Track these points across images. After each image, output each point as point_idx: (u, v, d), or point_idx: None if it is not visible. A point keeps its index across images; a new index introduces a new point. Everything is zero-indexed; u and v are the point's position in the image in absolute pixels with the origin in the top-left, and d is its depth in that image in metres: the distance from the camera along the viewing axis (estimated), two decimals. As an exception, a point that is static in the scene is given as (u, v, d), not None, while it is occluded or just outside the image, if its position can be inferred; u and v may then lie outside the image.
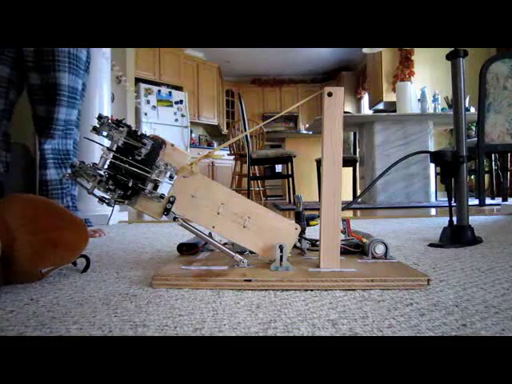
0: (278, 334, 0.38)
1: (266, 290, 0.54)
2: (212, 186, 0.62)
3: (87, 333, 0.38)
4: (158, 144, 0.59)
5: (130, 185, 0.57)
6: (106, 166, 0.57)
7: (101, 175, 0.58)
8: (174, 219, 0.61)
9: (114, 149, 0.58)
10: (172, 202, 0.60)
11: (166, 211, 0.61)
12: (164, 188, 0.61)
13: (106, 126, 0.57)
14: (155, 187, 0.60)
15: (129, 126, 0.58)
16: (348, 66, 6.44)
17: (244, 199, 0.63)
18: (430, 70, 4.39)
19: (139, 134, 0.58)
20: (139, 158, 0.57)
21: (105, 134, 0.57)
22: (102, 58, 1.71)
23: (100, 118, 0.56)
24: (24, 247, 0.55)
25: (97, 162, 0.58)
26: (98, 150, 1.63)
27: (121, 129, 0.57)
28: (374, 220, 1.74)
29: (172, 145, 0.61)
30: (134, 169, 0.57)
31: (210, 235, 0.66)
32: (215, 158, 5.43)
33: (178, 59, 5.11)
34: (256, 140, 3.77)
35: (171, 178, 0.62)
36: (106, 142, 0.60)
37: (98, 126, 0.57)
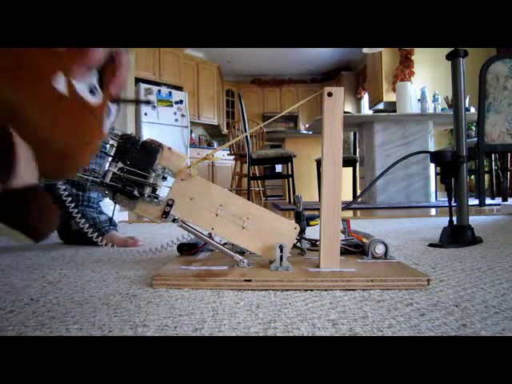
0: (278, 334, 0.38)
1: (266, 289, 0.54)
2: (210, 188, 0.62)
3: (87, 333, 0.38)
4: (155, 148, 0.59)
5: (136, 193, 0.57)
6: (108, 179, 0.56)
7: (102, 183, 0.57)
8: (174, 220, 0.61)
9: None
10: (171, 206, 0.60)
11: (165, 214, 0.61)
12: (163, 191, 0.60)
13: None
14: (153, 191, 0.59)
15: None
16: (348, 66, 6.45)
17: (242, 200, 0.63)
18: (430, 70, 4.39)
19: None
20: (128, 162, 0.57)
21: None
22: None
23: None
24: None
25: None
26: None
27: None
28: (374, 220, 1.74)
29: (169, 148, 0.61)
30: (134, 177, 0.56)
31: (209, 235, 0.66)
32: (214, 160, 5.42)
33: (178, 59, 5.11)
34: (256, 140, 3.78)
35: (165, 179, 0.61)
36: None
37: None
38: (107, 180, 0.53)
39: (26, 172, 0.37)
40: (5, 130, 0.34)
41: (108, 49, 0.44)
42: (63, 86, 0.37)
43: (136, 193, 0.56)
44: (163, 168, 0.59)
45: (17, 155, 0.35)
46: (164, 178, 0.59)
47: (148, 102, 0.62)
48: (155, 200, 0.59)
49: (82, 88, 0.40)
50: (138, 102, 0.71)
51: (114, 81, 0.45)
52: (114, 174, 0.54)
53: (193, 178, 0.61)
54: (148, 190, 0.58)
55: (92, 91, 0.41)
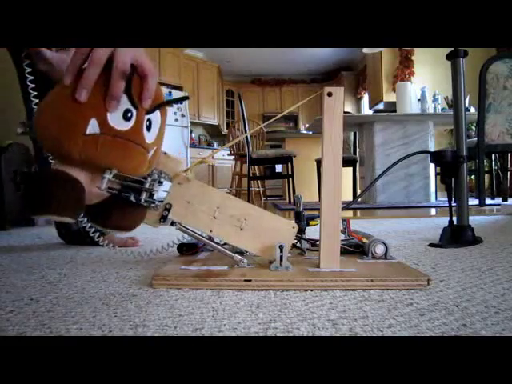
0: (278, 334, 0.38)
1: (266, 290, 0.54)
2: (207, 191, 0.62)
3: (87, 333, 0.38)
4: None
5: (132, 199, 0.56)
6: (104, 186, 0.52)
7: None
8: (172, 224, 0.61)
9: None
10: (168, 210, 0.60)
11: (163, 218, 0.60)
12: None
13: None
14: (150, 196, 0.59)
15: None
16: (348, 66, 6.44)
17: (240, 201, 0.63)
18: (430, 70, 4.39)
19: None
20: None
21: None
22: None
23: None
24: None
25: None
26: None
27: None
28: (374, 220, 1.74)
29: (165, 153, 0.61)
30: (130, 183, 0.55)
31: (209, 238, 0.66)
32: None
33: (178, 59, 5.10)
34: (256, 140, 3.77)
35: (161, 184, 0.60)
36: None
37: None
38: (103, 187, 0.52)
39: (94, 194, 0.51)
40: (78, 183, 0.47)
41: (127, 59, 0.47)
42: (96, 127, 0.46)
43: (132, 199, 0.56)
44: (159, 172, 0.59)
45: (83, 193, 0.48)
46: (160, 183, 0.58)
47: (186, 98, 0.61)
48: (152, 205, 0.58)
49: (114, 118, 0.47)
50: (174, 102, 0.66)
51: (143, 95, 0.49)
52: (109, 180, 0.52)
53: (189, 181, 0.61)
54: (145, 196, 0.57)
55: (126, 115, 0.48)
